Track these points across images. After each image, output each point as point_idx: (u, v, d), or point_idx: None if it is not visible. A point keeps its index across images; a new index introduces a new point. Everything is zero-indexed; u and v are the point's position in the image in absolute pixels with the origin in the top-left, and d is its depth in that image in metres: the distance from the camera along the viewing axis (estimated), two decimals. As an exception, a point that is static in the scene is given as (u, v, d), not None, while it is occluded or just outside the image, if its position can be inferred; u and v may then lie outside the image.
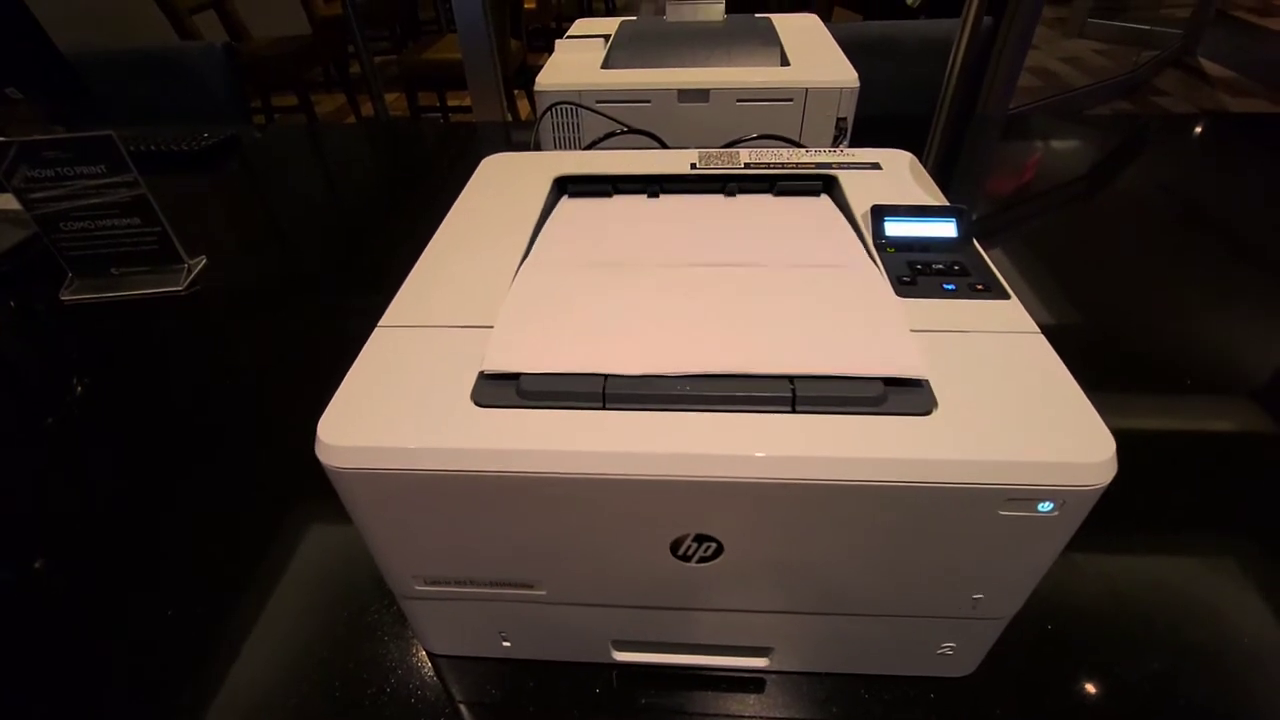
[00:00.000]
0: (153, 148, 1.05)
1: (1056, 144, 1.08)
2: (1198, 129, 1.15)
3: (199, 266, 0.79)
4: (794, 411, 0.29)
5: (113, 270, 0.76)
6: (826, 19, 0.91)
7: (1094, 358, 0.63)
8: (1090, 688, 0.39)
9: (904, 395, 0.29)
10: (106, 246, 0.75)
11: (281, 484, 0.53)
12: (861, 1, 2.97)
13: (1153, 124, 1.34)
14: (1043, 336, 0.33)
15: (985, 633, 0.36)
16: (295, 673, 0.41)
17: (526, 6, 2.78)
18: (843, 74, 0.70)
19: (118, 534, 0.50)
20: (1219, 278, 0.75)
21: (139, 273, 0.77)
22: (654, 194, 0.49)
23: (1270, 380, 0.61)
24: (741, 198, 0.48)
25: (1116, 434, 0.28)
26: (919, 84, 1.23)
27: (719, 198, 0.48)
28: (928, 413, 0.29)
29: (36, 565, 0.48)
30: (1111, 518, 0.28)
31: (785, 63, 0.74)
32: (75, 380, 0.65)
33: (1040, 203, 0.90)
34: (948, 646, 0.36)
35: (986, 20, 0.75)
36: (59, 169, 0.70)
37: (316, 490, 0.27)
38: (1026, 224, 0.86)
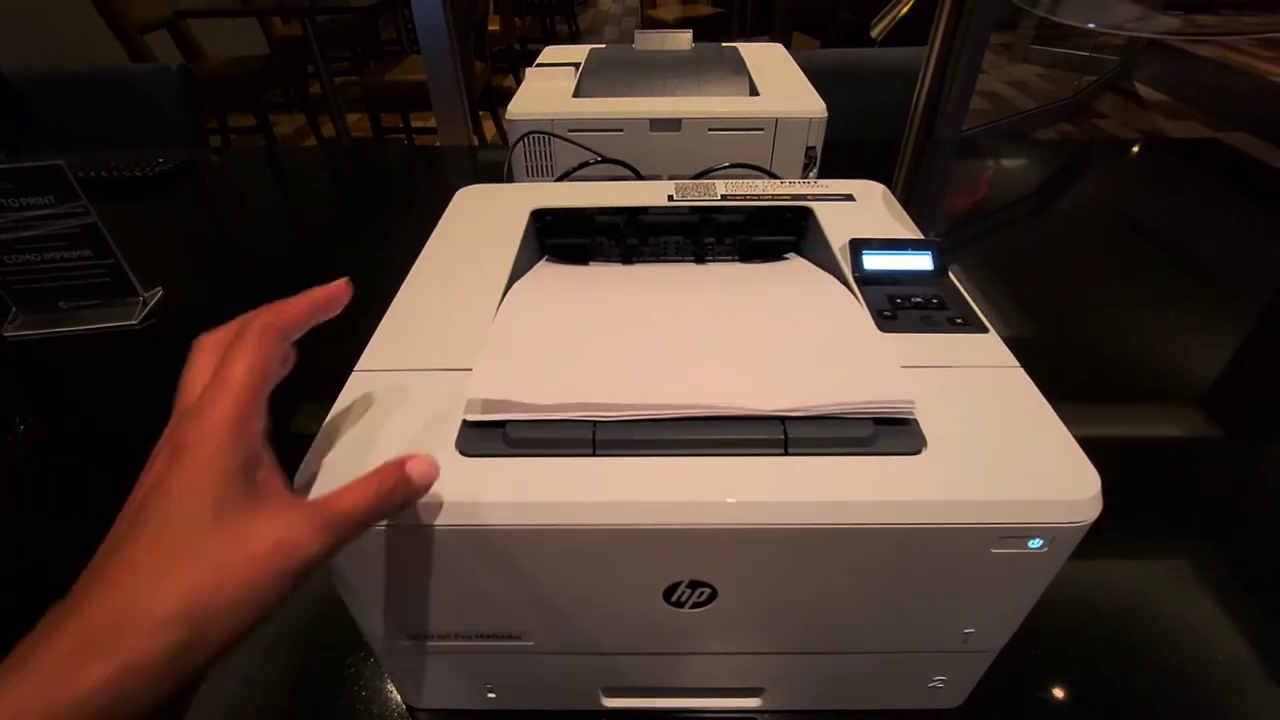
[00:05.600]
0: (104, 174, 1.01)
1: (1009, 166, 1.12)
2: (1135, 149, 1.21)
3: (155, 299, 0.75)
4: (786, 454, 0.29)
5: (61, 304, 0.73)
6: (786, 46, 0.93)
7: (1051, 370, 0.65)
8: (1076, 711, 0.39)
9: (894, 435, 0.29)
10: (54, 280, 0.71)
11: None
12: (819, 28, 3.06)
13: (1093, 146, 1.41)
14: (1023, 371, 0.34)
15: (975, 664, 0.36)
16: (266, 735, 0.39)
17: (491, 29, 2.78)
18: (811, 104, 0.71)
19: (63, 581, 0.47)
20: (1164, 291, 0.78)
21: (90, 306, 0.73)
22: (628, 259, 0.50)
23: (1217, 387, 0.63)
24: (715, 266, 0.49)
25: (1084, 447, 0.29)
26: (877, 110, 1.27)
27: (692, 265, 0.49)
28: (918, 452, 0.29)
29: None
30: (1087, 536, 0.28)
31: (754, 92, 0.76)
32: (18, 420, 0.61)
33: (994, 221, 0.94)
34: (939, 680, 0.36)
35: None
36: (2, 200, 0.66)
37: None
38: (982, 243, 0.89)
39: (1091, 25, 0.42)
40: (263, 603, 0.20)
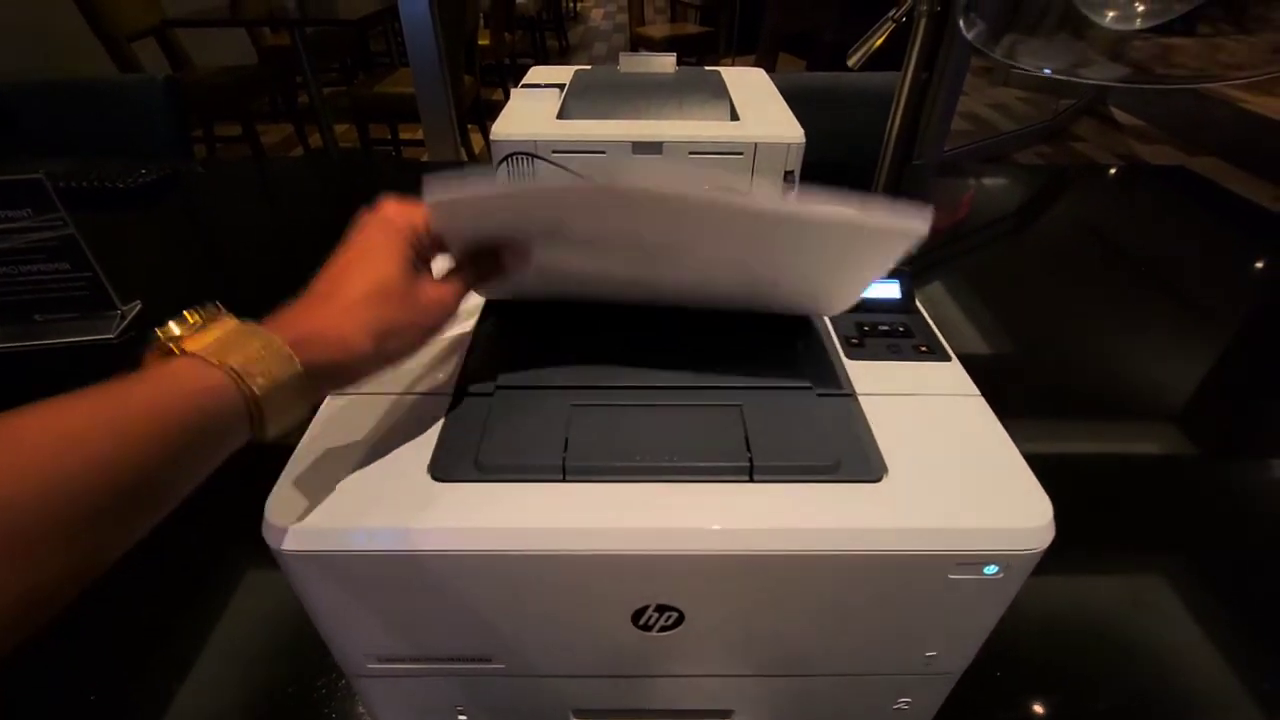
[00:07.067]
0: (85, 184, 1.00)
1: (988, 187, 1.15)
2: (1112, 171, 1.25)
3: (133, 313, 0.75)
4: (751, 480, 0.30)
5: (37, 317, 0.72)
6: (772, 66, 0.95)
7: (1019, 389, 0.66)
8: (1038, 733, 0.40)
9: (856, 463, 0.30)
10: (30, 292, 0.70)
11: (216, 547, 0.50)
12: (804, 49, 3.11)
13: (1070, 171, 1.45)
14: (983, 399, 0.35)
15: (940, 686, 0.36)
16: (234, 758, 0.38)
17: (480, 43, 2.80)
18: (790, 130, 0.73)
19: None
20: (1136, 311, 0.80)
21: (67, 320, 0.72)
22: None
23: (1184, 407, 0.65)
24: None
25: (1047, 466, 0.30)
26: (859, 132, 1.29)
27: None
28: (879, 479, 0.30)
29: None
30: (1049, 558, 0.29)
31: (735, 117, 0.77)
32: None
33: (971, 242, 0.96)
34: (904, 702, 0.37)
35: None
36: (-20, 212, 0.66)
37: (255, 552, 0.27)
38: (958, 263, 0.91)
39: (1047, 71, 0.44)
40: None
